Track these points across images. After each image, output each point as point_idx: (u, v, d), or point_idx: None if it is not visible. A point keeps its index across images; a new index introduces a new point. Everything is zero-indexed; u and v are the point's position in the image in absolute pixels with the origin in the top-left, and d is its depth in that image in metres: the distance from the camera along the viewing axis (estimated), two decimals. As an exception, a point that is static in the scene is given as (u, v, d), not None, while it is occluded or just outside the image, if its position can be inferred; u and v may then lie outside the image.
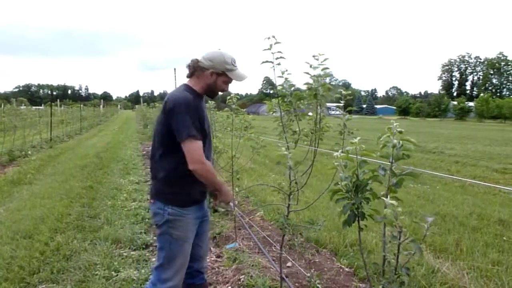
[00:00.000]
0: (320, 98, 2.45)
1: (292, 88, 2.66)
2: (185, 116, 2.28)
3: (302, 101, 2.64)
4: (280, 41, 2.51)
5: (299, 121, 2.75)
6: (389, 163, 1.73)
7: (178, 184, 2.44)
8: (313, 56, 2.42)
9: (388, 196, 1.52)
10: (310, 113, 2.76)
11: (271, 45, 2.52)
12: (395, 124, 1.63)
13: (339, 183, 1.81)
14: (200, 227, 2.62)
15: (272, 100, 2.96)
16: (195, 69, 2.47)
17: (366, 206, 1.82)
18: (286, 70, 2.70)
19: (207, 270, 3.82)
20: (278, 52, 2.58)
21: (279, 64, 2.64)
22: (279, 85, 2.75)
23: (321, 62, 2.42)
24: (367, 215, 1.83)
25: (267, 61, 2.59)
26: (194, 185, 2.44)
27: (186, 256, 2.53)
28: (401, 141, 1.63)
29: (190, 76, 2.52)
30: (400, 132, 1.64)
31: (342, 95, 2.40)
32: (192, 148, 2.28)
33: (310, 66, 2.43)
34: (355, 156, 1.80)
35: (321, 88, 2.42)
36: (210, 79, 2.45)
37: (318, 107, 2.53)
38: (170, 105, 2.33)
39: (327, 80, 2.56)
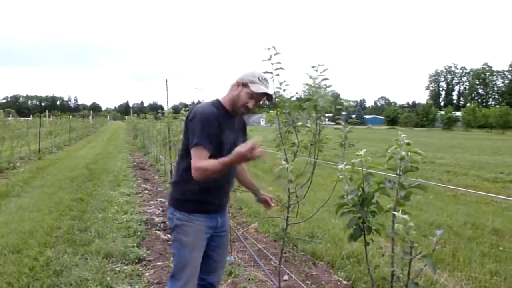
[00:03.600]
0: (320, 110, 2.42)
1: (292, 97, 2.63)
2: (198, 125, 2.32)
3: (301, 112, 2.61)
4: (280, 52, 2.48)
5: (298, 132, 2.71)
6: (394, 175, 1.69)
7: (185, 190, 2.49)
8: (312, 67, 2.39)
9: (400, 210, 1.47)
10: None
11: (271, 56, 2.49)
12: (402, 135, 1.60)
13: (345, 196, 1.76)
14: (214, 240, 2.60)
15: (270, 111, 2.92)
16: (231, 85, 2.50)
17: (373, 220, 1.78)
18: (284, 81, 2.68)
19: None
20: (278, 63, 2.56)
21: (278, 75, 2.62)
22: (278, 96, 2.72)
23: (321, 72, 2.39)
24: (373, 229, 1.79)
25: (266, 72, 2.55)
26: (203, 194, 2.46)
27: (195, 264, 2.52)
28: (409, 153, 1.60)
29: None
30: (408, 144, 1.60)
31: (344, 107, 2.36)
32: (195, 154, 2.29)
33: (310, 77, 2.39)
34: (361, 169, 1.76)
35: (321, 99, 2.38)
36: (236, 91, 2.44)
37: (317, 119, 2.49)
38: (190, 116, 2.41)
39: (322, 91, 2.53)
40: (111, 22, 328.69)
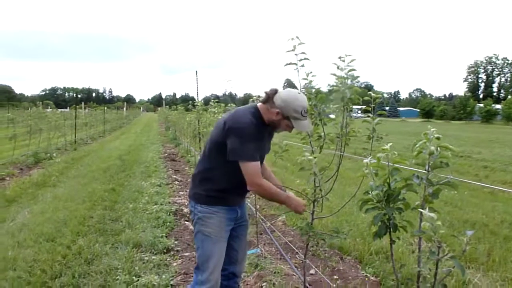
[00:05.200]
0: (347, 102, 2.34)
1: (313, 90, 2.57)
2: (244, 139, 2.36)
3: (327, 104, 2.54)
4: (304, 42, 2.41)
5: (324, 125, 2.64)
6: (423, 171, 1.61)
7: (208, 188, 2.56)
8: (339, 58, 2.31)
9: (427, 208, 1.40)
10: (332, 115, 2.65)
11: (294, 46, 2.44)
12: (432, 129, 1.52)
13: (370, 192, 1.69)
14: (235, 230, 2.72)
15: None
16: (268, 99, 2.48)
17: (399, 217, 1.70)
18: (311, 72, 2.61)
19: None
20: (302, 53, 2.50)
21: (303, 66, 2.55)
22: (303, 88, 2.66)
23: (348, 63, 2.30)
24: (400, 227, 1.72)
25: (290, 63, 2.50)
26: (226, 193, 2.56)
27: (219, 256, 2.60)
28: (438, 148, 1.51)
29: (264, 102, 2.52)
30: (438, 139, 1.52)
31: (372, 98, 2.28)
32: (250, 171, 2.38)
33: (338, 68, 2.32)
34: (387, 163, 1.68)
35: (348, 91, 2.31)
36: (275, 117, 2.46)
37: (345, 111, 2.41)
38: (231, 125, 2.41)
39: (354, 82, 2.45)
40: (144, 17, 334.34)
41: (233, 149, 2.37)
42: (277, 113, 2.44)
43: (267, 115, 2.49)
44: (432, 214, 1.34)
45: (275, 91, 2.46)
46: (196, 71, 9.24)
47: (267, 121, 2.51)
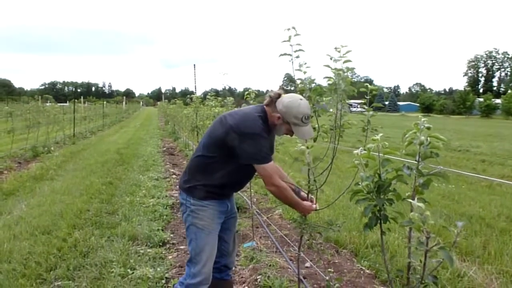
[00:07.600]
0: (341, 93, 2.32)
1: (312, 84, 2.55)
2: (258, 143, 2.38)
3: (321, 96, 2.52)
4: (300, 33, 2.39)
5: (318, 117, 2.63)
6: (414, 162, 1.59)
7: (205, 183, 2.56)
8: (335, 48, 2.28)
9: (416, 198, 1.39)
10: (331, 109, 2.64)
11: (290, 37, 2.41)
12: (422, 119, 1.50)
13: (360, 183, 1.68)
14: (225, 223, 2.76)
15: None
16: (271, 103, 2.51)
17: (389, 208, 1.69)
18: (305, 63, 2.58)
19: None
20: (297, 44, 2.47)
21: (298, 57, 2.53)
22: (298, 79, 2.64)
23: (343, 54, 2.28)
24: (390, 218, 1.70)
25: (285, 54, 2.48)
26: (222, 189, 2.61)
27: (212, 248, 2.63)
28: (429, 138, 1.50)
29: (267, 105, 2.54)
30: (428, 128, 1.50)
31: (368, 89, 2.26)
32: (268, 172, 2.41)
33: (331, 59, 2.29)
34: (377, 154, 1.67)
35: (342, 82, 2.28)
36: (276, 121, 2.49)
37: (339, 103, 2.39)
38: (243, 130, 2.40)
39: (349, 74, 2.42)
40: (143, 11, 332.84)
41: (249, 153, 2.40)
42: (278, 118, 2.46)
43: (271, 119, 2.52)
44: (421, 204, 1.33)
45: (278, 95, 2.47)
46: (194, 65, 9.24)
47: (270, 124, 2.53)
